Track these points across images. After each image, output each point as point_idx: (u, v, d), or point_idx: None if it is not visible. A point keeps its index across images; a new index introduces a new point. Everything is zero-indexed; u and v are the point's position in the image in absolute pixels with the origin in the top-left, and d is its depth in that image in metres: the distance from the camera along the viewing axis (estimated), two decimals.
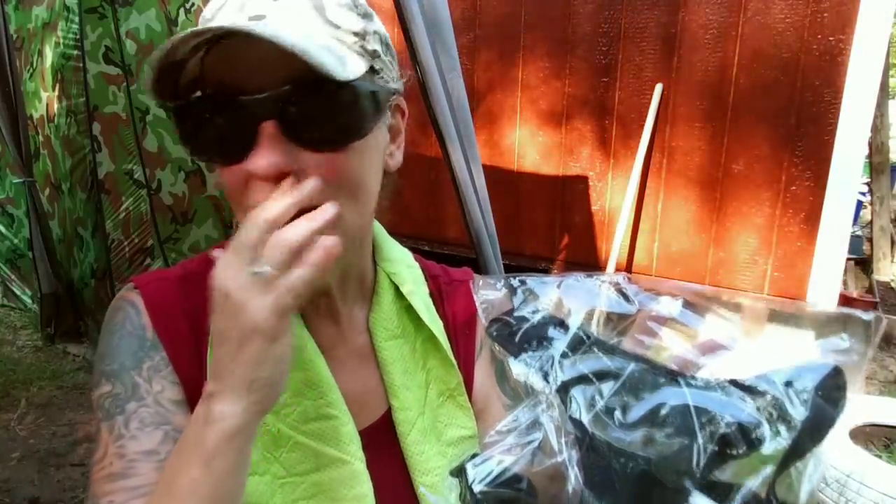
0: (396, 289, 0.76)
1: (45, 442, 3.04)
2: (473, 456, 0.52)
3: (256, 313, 0.51)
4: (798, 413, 0.38)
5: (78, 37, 3.52)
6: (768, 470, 0.39)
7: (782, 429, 0.38)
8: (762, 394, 0.39)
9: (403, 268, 0.78)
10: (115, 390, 0.65)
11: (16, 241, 4.30)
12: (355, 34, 0.62)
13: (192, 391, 0.65)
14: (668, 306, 0.49)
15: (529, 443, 0.49)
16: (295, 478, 0.66)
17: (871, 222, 6.11)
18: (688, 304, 0.50)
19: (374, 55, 0.64)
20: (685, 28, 3.61)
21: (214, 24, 0.58)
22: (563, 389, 0.46)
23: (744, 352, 0.45)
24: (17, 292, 4.44)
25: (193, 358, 0.67)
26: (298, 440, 0.66)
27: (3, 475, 2.80)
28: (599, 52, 3.86)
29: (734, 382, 0.41)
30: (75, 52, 3.53)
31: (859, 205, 6.42)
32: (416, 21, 1.49)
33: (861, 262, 6.23)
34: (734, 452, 0.38)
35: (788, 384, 0.39)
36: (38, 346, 3.96)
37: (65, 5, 3.46)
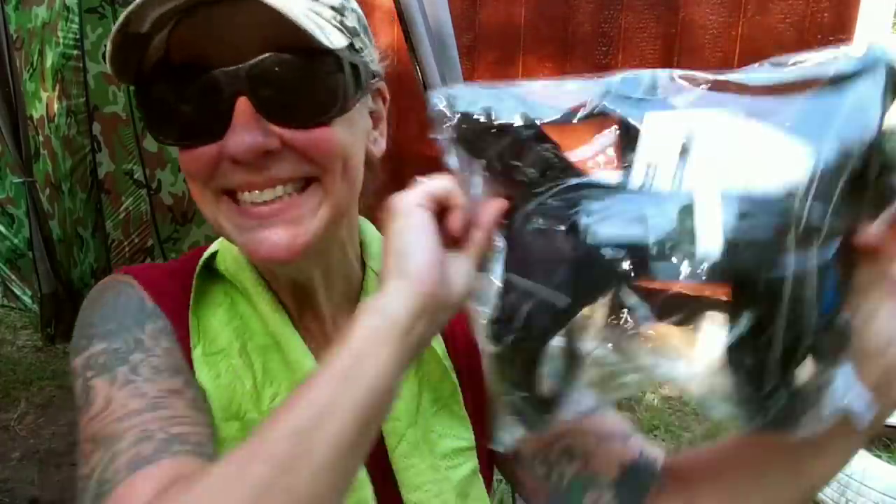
0: None
1: (45, 442, 3.04)
2: None
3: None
4: None
5: (78, 37, 3.52)
6: None
7: None
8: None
9: None
10: (113, 346, 0.59)
11: (16, 241, 4.29)
12: (333, 8, 0.59)
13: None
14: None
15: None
16: None
17: None
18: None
19: (353, 32, 0.61)
20: (685, 28, 3.61)
21: None
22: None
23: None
24: (17, 292, 4.43)
25: (184, 341, 0.65)
26: None
27: (3, 475, 2.80)
28: (599, 52, 3.86)
29: None
30: (75, 52, 3.53)
31: None
32: (416, 21, 1.49)
33: None
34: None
35: None
36: (38, 346, 3.96)
37: (65, 5, 3.46)
